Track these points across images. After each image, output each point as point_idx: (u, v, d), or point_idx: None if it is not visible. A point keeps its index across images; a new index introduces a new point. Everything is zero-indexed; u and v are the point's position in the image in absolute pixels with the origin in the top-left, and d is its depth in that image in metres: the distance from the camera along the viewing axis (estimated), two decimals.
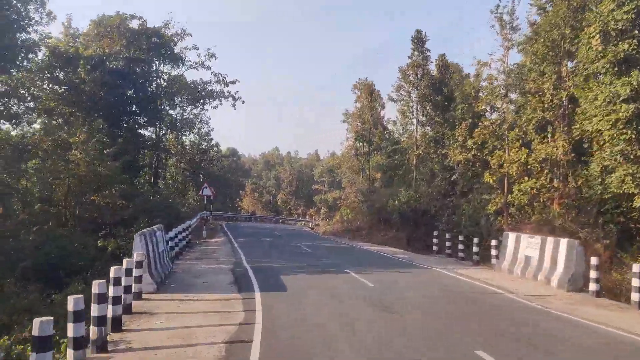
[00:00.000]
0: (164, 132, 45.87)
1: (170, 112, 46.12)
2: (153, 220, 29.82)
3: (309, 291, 14.07)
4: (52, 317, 6.32)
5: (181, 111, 48.02)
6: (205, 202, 34.02)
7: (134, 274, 12.37)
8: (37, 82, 29.42)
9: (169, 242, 19.78)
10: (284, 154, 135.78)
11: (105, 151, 28.47)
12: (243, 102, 46.67)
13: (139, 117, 36.70)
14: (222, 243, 28.89)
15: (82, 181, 27.15)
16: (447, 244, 25.12)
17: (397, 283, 15.89)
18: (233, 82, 45.76)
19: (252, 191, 79.68)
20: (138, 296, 12.50)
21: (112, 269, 9.74)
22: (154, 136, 44.39)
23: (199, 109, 53.64)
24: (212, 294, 13.46)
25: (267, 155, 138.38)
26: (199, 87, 44.89)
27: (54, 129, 28.79)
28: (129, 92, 33.91)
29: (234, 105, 46.64)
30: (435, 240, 26.82)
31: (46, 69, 29.36)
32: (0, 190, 27.67)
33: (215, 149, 69.27)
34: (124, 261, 11.12)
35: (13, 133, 29.40)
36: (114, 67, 32.50)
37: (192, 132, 64.22)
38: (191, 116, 59.54)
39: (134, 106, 35.25)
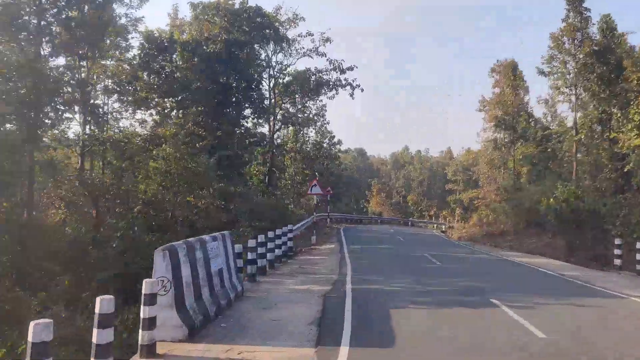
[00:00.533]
0: (278, 127, 42.10)
1: (285, 105, 42.14)
2: (255, 223, 25.70)
3: (432, 348, 8.23)
4: None
5: (297, 105, 43.94)
6: (316, 202, 29.12)
7: (142, 314, 7.61)
8: (129, 70, 26.70)
9: (247, 254, 15.01)
10: (414, 153, 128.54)
11: (197, 145, 24.70)
12: (362, 90, 41.35)
13: (243, 108, 32.85)
14: (330, 252, 23.75)
15: (173, 180, 23.52)
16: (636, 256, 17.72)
17: (584, 331, 9.40)
18: (350, 69, 40.68)
19: (379, 192, 74.24)
20: (149, 351, 7.60)
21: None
22: (266, 131, 40.77)
23: (315, 100, 49.53)
24: (272, 347, 8.19)
25: (397, 155, 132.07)
26: (314, 76, 40.41)
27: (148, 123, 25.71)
28: (230, 80, 30.13)
29: (352, 95, 41.51)
30: (617, 251, 19.30)
31: (139, 57, 26.65)
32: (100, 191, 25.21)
33: (337, 146, 64.92)
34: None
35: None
36: (211, 50, 28.90)
37: (311, 127, 60.87)
38: (309, 110, 55.82)
39: (237, 95, 31.45)
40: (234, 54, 29.41)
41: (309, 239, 27.35)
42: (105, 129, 28.17)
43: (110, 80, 28.20)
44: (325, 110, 65.96)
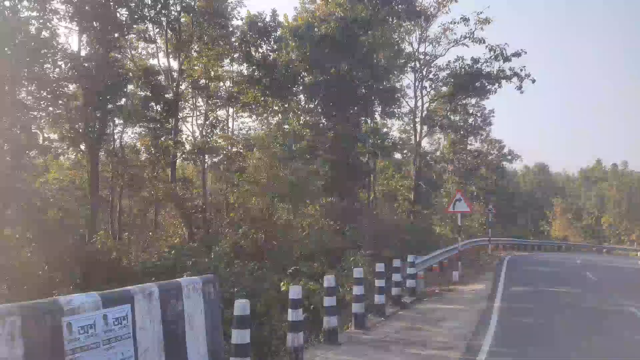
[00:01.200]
0: (425, 132, 34.85)
1: (434, 105, 34.78)
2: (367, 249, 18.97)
3: None
4: None
5: (452, 106, 36.21)
6: (460, 221, 21.21)
7: None
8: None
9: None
10: (609, 167, 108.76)
11: (293, 146, 18.82)
12: (533, 82, 32.12)
13: (371, 105, 26.19)
14: (474, 297, 15.85)
15: (261, 192, 17.93)
16: None
17: None
18: (517, 55, 31.79)
19: (563, 212, 61.40)
20: None
21: None
22: (411, 138, 33.75)
23: (475, 100, 41.16)
24: None
25: (587, 170, 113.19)
26: (469, 69, 32.42)
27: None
28: (350, 69, 23.65)
29: (519, 88, 32.52)
30: None
31: (240, 44, 21.98)
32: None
33: (509, 158, 54.62)
34: None
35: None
36: (324, 32, 22.91)
37: (475, 137, 51.92)
38: (470, 115, 47.36)
39: (361, 89, 24.91)
40: (354, 35, 23.04)
41: (450, 275, 19.61)
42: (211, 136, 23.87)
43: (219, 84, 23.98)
44: (493, 115, 56.64)
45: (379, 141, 26.60)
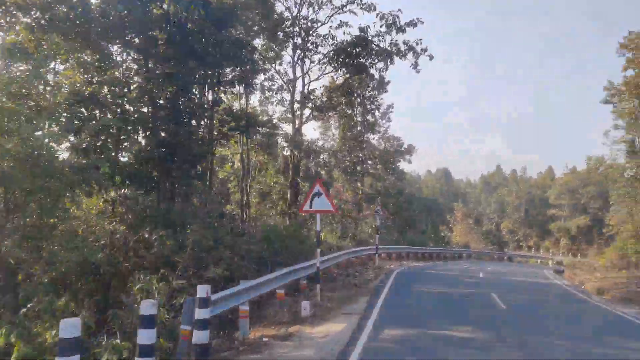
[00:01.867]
0: (306, 116, 28.35)
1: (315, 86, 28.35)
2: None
3: None
4: None
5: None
6: (318, 225, 14.42)
7: None
8: None
9: None
10: (508, 173, 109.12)
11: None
12: (431, 59, 26.59)
13: (219, 65, 18.62)
14: (319, 351, 9.11)
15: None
16: None
17: None
18: (412, 24, 26.05)
19: (464, 217, 57.73)
20: None
21: None
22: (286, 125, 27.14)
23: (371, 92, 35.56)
24: None
25: (488, 176, 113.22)
26: (352, 38, 26.33)
27: None
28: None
29: (415, 66, 26.85)
30: None
31: None
32: None
33: (407, 157, 49.64)
34: None
35: None
36: None
37: (373, 132, 46.51)
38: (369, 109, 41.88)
39: (199, 44, 17.45)
40: None
41: (301, 305, 12.79)
42: None
43: None
44: (391, 111, 51.70)
45: (230, 118, 19.55)
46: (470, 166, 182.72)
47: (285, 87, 27.70)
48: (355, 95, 42.81)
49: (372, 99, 49.15)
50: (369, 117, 50.39)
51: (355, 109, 49.08)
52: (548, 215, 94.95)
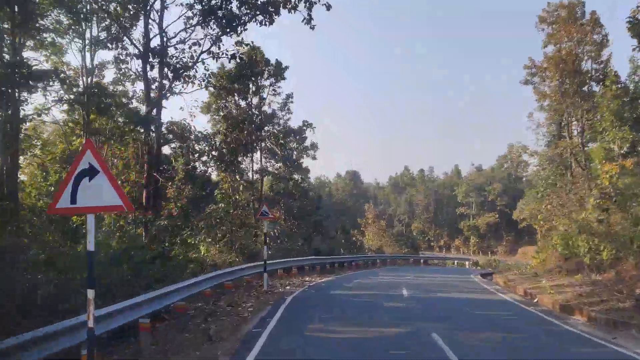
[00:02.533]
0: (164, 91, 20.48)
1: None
2: None
3: None
4: None
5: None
6: (90, 248, 6.80)
7: None
8: None
9: None
10: (416, 173, 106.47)
11: None
12: (328, 8, 19.82)
13: None
14: None
15: None
16: None
17: None
18: None
19: (376, 218, 52.07)
20: None
21: None
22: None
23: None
24: None
25: (396, 177, 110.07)
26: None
27: None
28: None
29: (309, 20, 19.92)
30: None
31: None
32: None
33: (310, 152, 42.93)
34: None
35: None
36: None
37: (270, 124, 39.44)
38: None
39: None
40: None
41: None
42: None
43: None
44: (291, 101, 44.94)
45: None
46: (379, 168, 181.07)
47: (134, 51, 19.64)
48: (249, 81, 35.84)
49: (270, 87, 42.33)
50: (266, 108, 43.34)
51: (248, 98, 41.99)
52: (457, 214, 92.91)
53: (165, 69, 19.54)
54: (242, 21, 19.74)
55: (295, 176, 41.86)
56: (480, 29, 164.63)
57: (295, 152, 42.93)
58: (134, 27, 20.67)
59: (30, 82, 14.04)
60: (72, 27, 18.99)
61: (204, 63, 22.37)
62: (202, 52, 20.58)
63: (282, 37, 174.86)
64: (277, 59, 43.21)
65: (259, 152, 40.48)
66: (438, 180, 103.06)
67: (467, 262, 54.08)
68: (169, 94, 20.40)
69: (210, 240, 23.76)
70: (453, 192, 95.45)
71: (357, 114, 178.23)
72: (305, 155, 43.02)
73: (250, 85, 42.96)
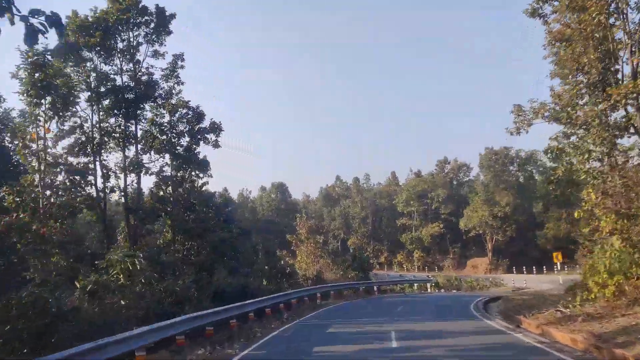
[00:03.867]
0: None
1: None
2: None
3: None
4: None
5: None
6: None
7: None
8: None
9: None
10: (351, 183, 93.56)
11: None
12: None
13: None
14: None
15: None
16: None
17: None
18: None
19: (310, 234, 37.84)
20: None
21: None
22: None
23: None
24: None
25: (328, 189, 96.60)
26: None
27: None
28: None
29: None
30: None
31: None
32: None
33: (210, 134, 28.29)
34: None
35: None
36: None
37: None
38: None
39: None
40: None
41: None
42: None
43: None
44: (182, 65, 30.13)
45: None
46: (309, 180, 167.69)
47: None
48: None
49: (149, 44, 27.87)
50: (142, 75, 28.55)
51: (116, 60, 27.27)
52: (398, 226, 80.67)
53: None
54: None
55: (190, 172, 26.98)
56: (415, 29, 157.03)
57: (187, 138, 27.98)
58: None
59: None
60: None
61: None
62: None
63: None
64: (157, 5, 28.48)
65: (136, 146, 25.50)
66: (375, 189, 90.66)
67: (428, 285, 41.05)
68: None
69: None
70: (392, 201, 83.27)
71: (284, 122, 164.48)
72: (202, 141, 28.12)
73: (119, 42, 28.14)
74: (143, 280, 17.14)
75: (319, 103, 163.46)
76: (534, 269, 63.19)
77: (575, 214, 17.97)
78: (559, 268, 35.87)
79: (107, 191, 27.20)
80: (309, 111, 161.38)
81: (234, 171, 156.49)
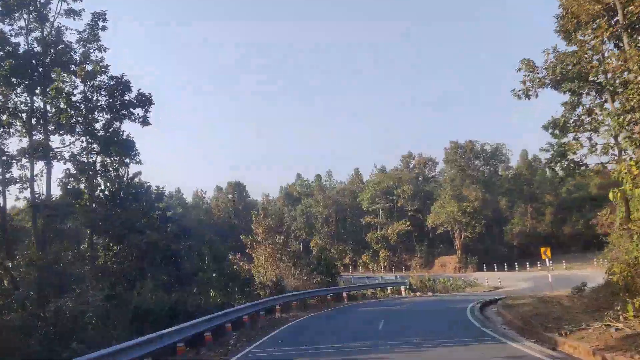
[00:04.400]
0: None
1: None
2: None
3: None
4: None
5: None
6: None
7: None
8: None
9: None
10: (312, 180, 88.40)
11: None
12: None
13: None
14: None
15: None
16: None
17: None
18: None
19: (268, 234, 32.19)
20: None
21: None
22: None
23: None
24: None
25: (289, 187, 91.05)
26: None
27: None
28: None
29: None
30: None
31: None
32: None
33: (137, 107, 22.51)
34: None
35: None
36: None
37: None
38: None
39: None
40: None
41: None
42: None
43: None
44: (104, 27, 24.01)
45: None
46: (268, 179, 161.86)
47: None
48: None
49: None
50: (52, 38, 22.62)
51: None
52: (363, 224, 76.02)
53: None
54: None
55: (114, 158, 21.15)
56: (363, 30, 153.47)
57: (107, 113, 22.07)
58: None
59: None
60: None
61: None
62: None
63: None
64: None
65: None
66: (338, 187, 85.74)
67: (402, 287, 36.25)
68: None
69: None
70: (356, 199, 78.57)
71: (240, 118, 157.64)
72: (128, 118, 22.27)
73: None
74: (14, 303, 11.38)
75: (277, 102, 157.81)
76: (506, 266, 59.82)
77: (610, 195, 13.23)
78: (548, 264, 31.73)
79: (7, 184, 21.07)
80: (268, 109, 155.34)
81: (188, 171, 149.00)
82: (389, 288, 34.98)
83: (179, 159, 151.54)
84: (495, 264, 61.18)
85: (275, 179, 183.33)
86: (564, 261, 56.59)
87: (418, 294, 36.13)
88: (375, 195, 74.73)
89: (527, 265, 59.16)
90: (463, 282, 46.71)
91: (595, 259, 53.06)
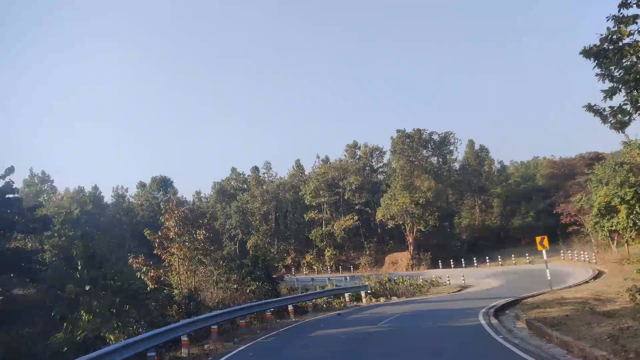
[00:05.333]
0: None
1: None
2: None
3: None
4: None
5: None
6: None
7: None
8: None
9: None
10: (249, 174, 78.98)
11: None
12: None
13: None
14: None
15: None
16: None
17: None
18: None
19: (182, 227, 23.03)
20: None
21: None
22: None
23: None
24: None
25: (223, 182, 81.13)
26: None
27: None
28: None
29: None
30: None
31: None
32: None
33: None
34: None
35: None
36: None
37: None
38: None
39: None
40: None
41: None
42: None
43: None
44: None
45: None
46: (200, 175, 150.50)
47: None
48: None
49: None
50: None
51: None
52: (306, 221, 67.76)
53: None
54: None
55: None
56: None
57: None
58: None
59: None
60: None
61: None
62: None
63: None
64: None
65: None
66: (278, 181, 76.89)
67: (363, 293, 28.23)
68: None
69: None
70: (299, 192, 70.22)
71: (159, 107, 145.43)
72: None
73: None
74: None
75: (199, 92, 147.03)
76: (463, 262, 53.72)
77: None
78: (544, 256, 24.90)
79: None
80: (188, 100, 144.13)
81: (107, 167, 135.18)
82: (346, 295, 26.78)
83: (108, 155, 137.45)
84: (450, 260, 54.92)
85: (213, 177, 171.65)
86: (513, 255, 51.47)
87: (382, 300, 28.28)
88: (319, 187, 66.71)
89: (474, 261, 53.38)
90: (424, 282, 39.50)
91: (562, 252, 48.17)
